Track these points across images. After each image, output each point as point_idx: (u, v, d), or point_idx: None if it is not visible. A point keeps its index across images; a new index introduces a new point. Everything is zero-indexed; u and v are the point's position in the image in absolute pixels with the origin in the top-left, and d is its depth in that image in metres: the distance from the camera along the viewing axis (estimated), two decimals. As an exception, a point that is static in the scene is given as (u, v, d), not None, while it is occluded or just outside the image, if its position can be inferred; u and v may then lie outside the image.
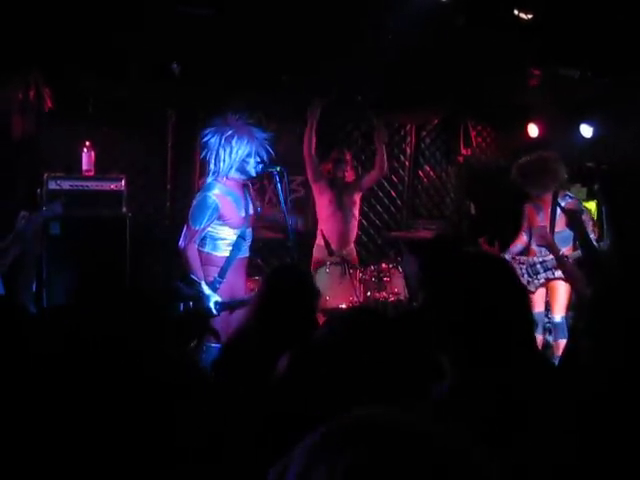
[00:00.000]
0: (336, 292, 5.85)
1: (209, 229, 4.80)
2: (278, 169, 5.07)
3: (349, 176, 6.78)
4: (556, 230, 5.27)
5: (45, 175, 6.17)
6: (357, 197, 6.77)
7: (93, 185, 6.31)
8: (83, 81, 6.54)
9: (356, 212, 6.73)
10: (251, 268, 7.13)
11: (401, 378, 1.78)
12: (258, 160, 4.88)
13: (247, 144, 4.83)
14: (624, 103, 6.57)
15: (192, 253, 4.74)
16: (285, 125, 7.90)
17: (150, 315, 2.57)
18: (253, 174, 4.93)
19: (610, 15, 5.40)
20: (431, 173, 8.52)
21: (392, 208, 8.35)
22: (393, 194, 8.35)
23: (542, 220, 5.74)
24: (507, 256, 5.89)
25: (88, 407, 2.09)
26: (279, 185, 5.04)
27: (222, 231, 4.84)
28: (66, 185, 6.20)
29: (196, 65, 6.65)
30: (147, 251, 6.73)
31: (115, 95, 6.70)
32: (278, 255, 7.12)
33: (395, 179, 8.35)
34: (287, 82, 7.02)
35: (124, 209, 6.27)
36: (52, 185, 6.16)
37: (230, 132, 4.86)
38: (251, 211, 4.97)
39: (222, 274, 4.81)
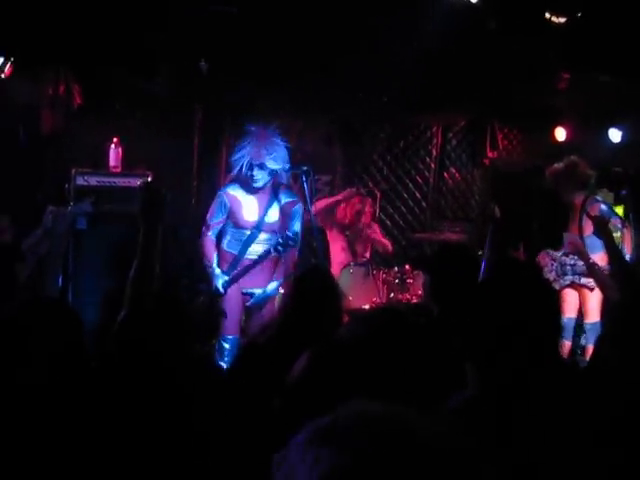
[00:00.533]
0: (359, 293, 5.86)
1: (227, 225, 5.00)
2: (305, 168, 5.08)
3: (366, 218, 6.71)
4: (584, 235, 5.24)
5: (73, 170, 6.20)
6: (369, 247, 6.73)
7: (120, 181, 6.34)
8: (112, 78, 6.58)
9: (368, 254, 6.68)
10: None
11: (420, 381, 1.78)
12: (258, 175, 4.84)
13: (247, 156, 4.81)
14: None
15: (205, 242, 5.02)
16: (311, 124, 7.92)
17: (173, 315, 2.59)
18: (254, 185, 4.90)
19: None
20: (456, 175, 8.48)
21: (416, 209, 8.33)
22: (418, 195, 8.33)
23: (573, 225, 5.72)
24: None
25: (113, 407, 2.11)
26: (305, 185, 5.04)
27: (233, 229, 5.01)
28: (93, 181, 6.23)
29: (224, 63, 6.67)
30: (174, 247, 6.76)
31: (143, 92, 6.74)
32: (303, 255, 7.12)
33: (420, 180, 8.33)
34: (315, 81, 7.01)
35: (150, 205, 6.29)
36: (80, 181, 6.19)
37: (243, 143, 4.93)
38: (271, 218, 4.97)
39: (228, 270, 4.93)
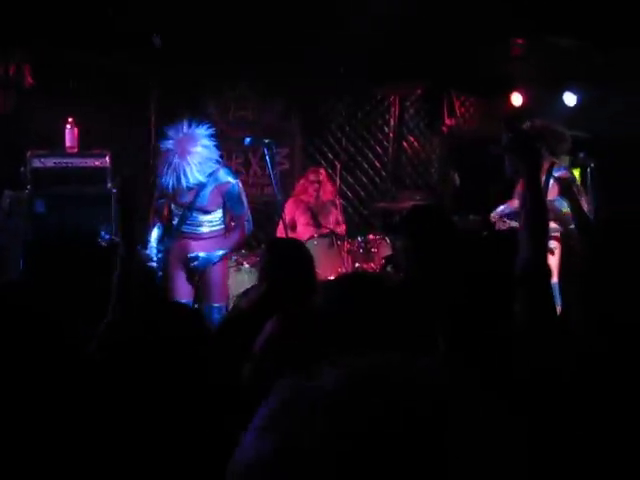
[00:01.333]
0: (324, 264, 5.87)
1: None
2: (267, 142, 5.08)
3: (326, 194, 6.74)
4: (549, 198, 5.33)
5: (28, 153, 6.10)
6: (333, 216, 6.76)
7: (77, 162, 6.24)
8: (64, 56, 6.46)
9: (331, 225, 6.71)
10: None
11: (392, 341, 1.80)
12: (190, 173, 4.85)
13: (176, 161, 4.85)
14: (608, 70, 6.59)
15: (150, 210, 5.27)
16: (268, 97, 7.89)
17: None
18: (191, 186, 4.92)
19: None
20: (415, 144, 8.53)
21: (377, 179, 8.37)
22: (378, 165, 8.36)
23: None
24: (493, 215, 5.90)
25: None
26: (267, 158, 5.04)
27: (173, 205, 5.17)
28: (50, 163, 6.13)
29: (179, 39, 6.59)
30: (133, 226, 6.69)
31: (97, 70, 6.63)
32: (264, 227, 7.12)
33: (379, 150, 8.36)
34: (270, 53, 6.96)
35: (109, 185, 6.23)
36: (35, 163, 6.09)
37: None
38: (202, 201, 5.03)
39: (166, 241, 5.12)
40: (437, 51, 7.04)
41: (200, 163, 4.88)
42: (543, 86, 7.36)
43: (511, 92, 7.65)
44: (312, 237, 6.27)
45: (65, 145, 6.31)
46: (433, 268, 2.80)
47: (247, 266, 6.26)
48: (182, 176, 4.83)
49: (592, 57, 6.49)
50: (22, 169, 6.09)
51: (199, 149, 4.89)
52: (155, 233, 5.14)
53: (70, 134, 6.33)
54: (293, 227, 6.62)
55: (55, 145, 6.34)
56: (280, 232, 5.79)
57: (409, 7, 6.09)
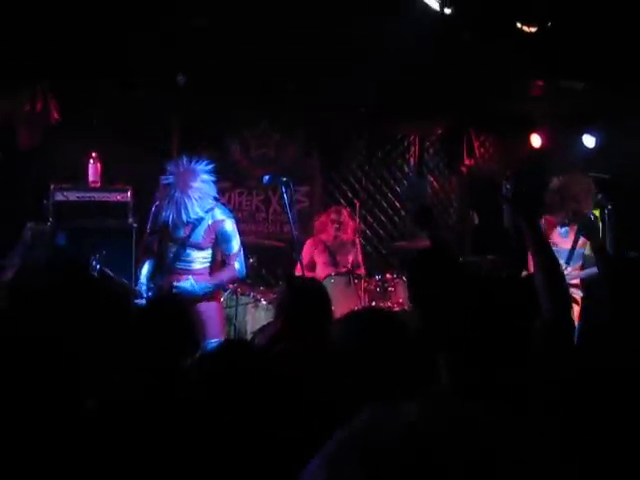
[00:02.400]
0: (341, 302, 5.86)
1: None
2: (284, 180, 5.11)
3: (346, 234, 6.75)
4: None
5: (52, 186, 6.20)
6: (352, 256, 6.77)
7: (99, 196, 6.34)
8: (90, 92, 6.59)
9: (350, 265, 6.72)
10: (255, 277, 7.23)
11: (401, 375, 1.81)
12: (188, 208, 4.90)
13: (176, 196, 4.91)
14: (626, 113, 6.61)
15: (140, 247, 5.36)
16: (289, 135, 7.97)
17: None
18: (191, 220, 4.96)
19: (611, 27, 5.45)
20: (434, 183, 8.56)
21: (396, 218, 8.39)
22: (397, 204, 8.39)
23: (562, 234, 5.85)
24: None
25: None
26: (285, 195, 5.07)
27: (169, 241, 5.13)
28: (73, 196, 6.23)
29: (202, 76, 6.70)
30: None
31: (121, 107, 6.75)
32: (282, 265, 7.15)
33: (399, 189, 8.39)
34: (292, 92, 7.06)
35: (130, 220, 6.30)
36: (58, 196, 6.19)
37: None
38: (196, 238, 5.01)
39: (160, 277, 5.11)
40: (457, 92, 7.10)
41: (200, 198, 4.91)
42: (562, 127, 7.39)
43: (531, 133, 7.69)
44: (329, 275, 6.29)
45: (88, 179, 6.42)
46: (431, 310, 2.82)
47: (264, 303, 6.28)
48: (182, 210, 4.87)
49: (609, 99, 6.51)
50: (45, 202, 6.19)
51: (199, 184, 4.93)
52: (145, 269, 5.12)
53: (93, 168, 6.43)
54: (312, 267, 6.64)
55: (78, 179, 6.44)
56: (298, 270, 5.80)
57: (431, 49, 6.16)
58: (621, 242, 5.92)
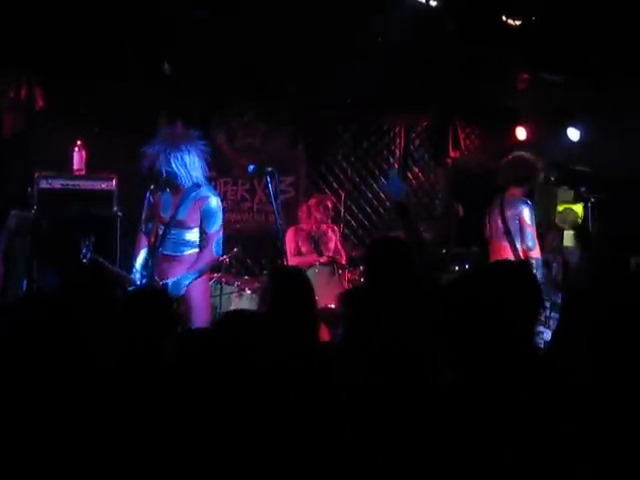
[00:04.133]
0: (325, 292, 5.89)
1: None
2: (269, 169, 5.12)
3: (325, 221, 6.80)
4: None
5: (36, 174, 6.18)
6: (332, 244, 6.80)
7: (84, 184, 6.33)
8: (75, 80, 6.56)
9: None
10: (240, 267, 7.25)
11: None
12: (166, 161, 4.86)
13: (157, 148, 4.87)
14: (610, 107, 6.66)
15: (136, 238, 5.16)
16: (275, 125, 7.97)
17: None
18: (161, 171, 4.88)
19: (596, 21, 5.49)
20: (420, 175, 8.59)
21: (381, 209, 8.41)
22: (382, 195, 8.42)
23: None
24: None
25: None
26: (270, 186, 5.08)
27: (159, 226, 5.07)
28: (57, 184, 6.22)
29: (188, 66, 6.68)
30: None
31: (107, 95, 6.72)
32: (267, 254, 7.17)
33: (384, 180, 8.41)
34: (278, 83, 7.06)
35: (115, 209, 6.30)
36: (43, 184, 6.18)
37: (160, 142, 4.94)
38: (180, 216, 4.95)
39: (148, 262, 5.05)
40: (443, 84, 7.13)
41: (190, 163, 4.87)
42: (547, 121, 7.44)
43: (516, 126, 7.73)
44: (313, 264, 6.31)
45: (73, 167, 6.40)
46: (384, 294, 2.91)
47: (249, 292, 6.30)
48: (172, 160, 4.80)
49: (594, 94, 6.56)
50: (29, 190, 6.18)
51: (192, 151, 4.88)
52: (141, 257, 5.07)
53: (78, 156, 6.41)
54: (300, 252, 6.67)
55: (63, 167, 6.43)
56: (282, 259, 5.82)
57: (418, 40, 6.19)
58: (604, 234, 5.99)
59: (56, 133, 6.65)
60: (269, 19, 5.95)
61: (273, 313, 3.33)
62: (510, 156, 5.82)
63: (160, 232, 5.01)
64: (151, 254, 5.06)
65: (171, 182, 4.92)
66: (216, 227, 4.96)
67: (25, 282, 5.91)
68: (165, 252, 4.99)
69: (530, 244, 5.47)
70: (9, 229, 5.84)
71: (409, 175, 8.54)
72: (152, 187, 5.09)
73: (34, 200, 6.12)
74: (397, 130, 8.44)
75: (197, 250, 5.00)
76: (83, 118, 6.81)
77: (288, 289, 3.44)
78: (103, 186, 6.34)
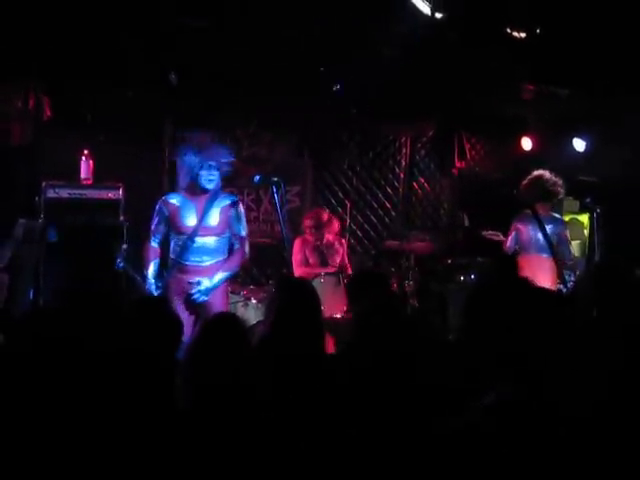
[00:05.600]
0: (331, 302, 5.90)
1: (170, 232, 5.05)
2: (275, 179, 5.13)
3: (331, 235, 6.81)
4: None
5: (43, 183, 6.21)
6: (339, 257, 6.82)
7: (91, 193, 6.36)
8: (82, 90, 6.60)
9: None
10: (246, 276, 7.26)
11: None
12: (212, 175, 4.95)
13: (197, 158, 4.92)
14: (615, 117, 6.67)
15: (145, 248, 5.08)
16: (281, 135, 8.00)
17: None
18: (206, 187, 4.95)
19: (600, 32, 5.51)
20: (425, 185, 8.60)
21: (386, 219, 8.43)
22: (388, 205, 8.43)
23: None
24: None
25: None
26: (276, 195, 5.08)
27: (175, 236, 5.03)
28: (64, 193, 6.25)
29: (194, 75, 6.72)
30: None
31: (113, 104, 6.76)
32: (272, 264, 7.17)
33: (390, 190, 8.43)
34: (284, 92, 7.08)
35: (121, 217, 6.32)
36: (50, 193, 6.21)
37: (185, 149, 5.01)
38: (210, 222, 4.97)
39: (168, 274, 5.00)
40: (449, 94, 7.14)
41: (218, 177, 4.99)
42: (553, 131, 7.45)
43: (522, 136, 7.74)
44: (319, 274, 6.32)
45: (80, 176, 6.43)
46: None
47: (254, 302, 6.30)
48: (205, 170, 4.91)
49: (599, 104, 6.57)
50: (37, 199, 6.21)
51: (224, 166, 5.02)
52: (152, 268, 5.01)
53: (85, 166, 6.45)
54: (307, 263, 6.69)
55: (70, 176, 6.46)
56: (295, 269, 5.83)
57: (424, 51, 6.21)
58: (609, 244, 6.00)
59: (63, 142, 6.68)
60: (276, 30, 5.98)
61: (279, 322, 3.34)
62: (533, 175, 6.19)
63: (180, 243, 4.98)
64: (166, 266, 5.05)
65: (203, 191, 4.97)
66: (247, 230, 5.10)
67: (32, 291, 5.93)
68: (186, 263, 4.96)
69: (572, 256, 6.25)
70: (16, 238, 5.86)
71: (415, 185, 8.56)
72: (164, 198, 5.08)
73: (41, 209, 6.15)
74: (403, 140, 8.46)
75: (221, 259, 5.00)
76: (90, 127, 6.85)
77: (294, 299, 3.44)
78: (110, 195, 6.37)
